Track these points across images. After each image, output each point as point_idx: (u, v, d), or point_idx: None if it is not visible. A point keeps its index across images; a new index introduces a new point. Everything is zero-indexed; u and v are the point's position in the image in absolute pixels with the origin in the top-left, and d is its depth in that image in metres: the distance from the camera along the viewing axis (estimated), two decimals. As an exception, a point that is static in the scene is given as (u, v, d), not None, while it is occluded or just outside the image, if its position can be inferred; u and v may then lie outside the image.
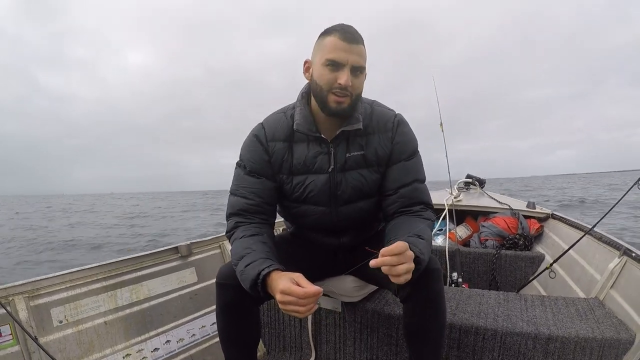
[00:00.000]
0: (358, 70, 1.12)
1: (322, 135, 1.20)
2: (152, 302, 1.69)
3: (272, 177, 1.25)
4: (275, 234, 1.36)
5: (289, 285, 0.92)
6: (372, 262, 0.90)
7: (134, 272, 1.67)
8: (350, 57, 1.09)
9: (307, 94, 1.23)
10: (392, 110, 1.29)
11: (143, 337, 1.61)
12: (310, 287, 0.92)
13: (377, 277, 0.91)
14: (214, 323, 1.80)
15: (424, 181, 1.27)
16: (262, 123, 1.27)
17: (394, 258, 0.89)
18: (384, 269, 0.90)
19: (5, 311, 1.29)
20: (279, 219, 1.39)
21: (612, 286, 1.59)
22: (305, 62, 1.21)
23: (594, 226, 1.96)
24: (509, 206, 2.90)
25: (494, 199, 3.21)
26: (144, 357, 1.58)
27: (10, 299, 1.34)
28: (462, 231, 2.93)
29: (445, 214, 2.87)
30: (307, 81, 1.23)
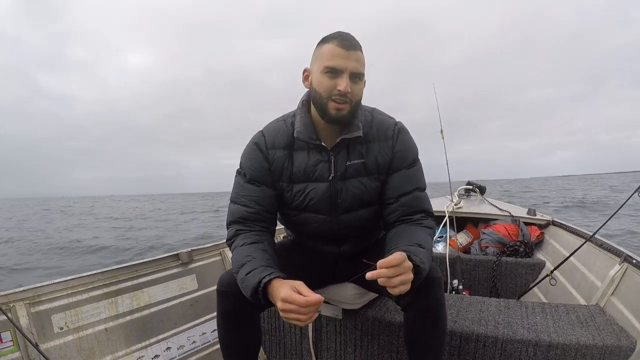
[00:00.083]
0: (357, 77, 1.13)
1: (323, 143, 1.20)
2: (153, 309, 1.69)
3: (273, 185, 1.25)
4: (276, 241, 1.36)
5: (290, 294, 0.92)
6: (369, 275, 0.90)
7: (135, 279, 1.68)
8: (349, 63, 1.10)
9: (308, 101, 1.23)
10: (393, 118, 1.29)
11: (144, 343, 1.61)
12: (311, 296, 0.92)
13: (378, 285, 0.92)
14: (214, 330, 1.80)
15: (425, 189, 1.27)
16: (262, 131, 1.27)
17: (391, 270, 0.88)
18: (380, 281, 0.89)
19: (6, 317, 1.29)
20: (280, 226, 1.39)
21: (612, 293, 1.59)
22: (305, 71, 1.21)
23: (594, 233, 1.96)
24: (510, 213, 2.90)
25: (495, 206, 3.22)
26: (144, 364, 1.58)
27: (11, 305, 1.34)
28: (462, 238, 2.93)
29: (446, 221, 2.87)
30: (306, 89, 1.24)
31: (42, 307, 1.41)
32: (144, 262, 1.73)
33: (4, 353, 1.28)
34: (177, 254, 1.86)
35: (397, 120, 1.29)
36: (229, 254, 1.99)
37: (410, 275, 0.92)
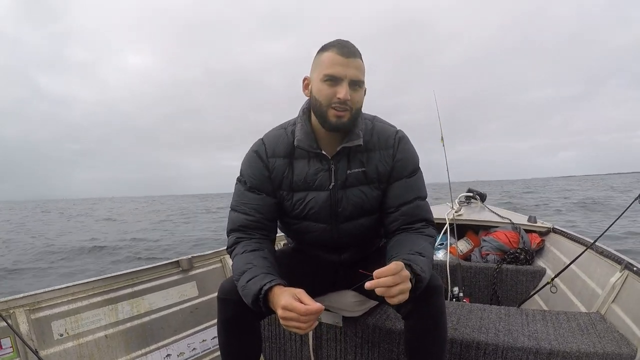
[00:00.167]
0: (357, 85, 1.13)
1: (323, 152, 1.20)
2: (153, 316, 1.69)
3: (273, 193, 1.25)
4: (277, 248, 1.36)
5: (290, 301, 0.92)
6: (367, 285, 0.90)
7: (135, 286, 1.68)
8: (348, 71, 1.10)
9: (308, 110, 1.23)
10: (394, 127, 1.29)
11: (144, 350, 1.61)
12: (312, 304, 0.92)
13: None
14: (214, 337, 1.79)
15: (426, 198, 1.27)
16: (262, 139, 1.28)
17: (388, 279, 0.88)
18: (378, 291, 0.89)
19: (6, 324, 1.29)
20: (280, 233, 1.39)
21: (613, 300, 1.58)
22: (304, 79, 1.21)
23: (595, 241, 1.96)
24: (510, 220, 2.90)
25: (495, 213, 3.22)
26: (144, 372, 1.57)
27: (11, 311, 1.34)
28: (463, 245, 2.93)
29: (447, 228, 2.87)
30: (306, 98, 1.24)
31: (42, 314, 1.41)
32: (144, 269, 1.73)
33: (4, 359, 1.28)
34: (178, 261, 1.86)
35: (398, 128, 1.29)
36: (230, 261, 1.99)
37: (408, 285, 0.92)
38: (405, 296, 0.92)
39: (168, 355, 1.66)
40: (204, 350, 1.78)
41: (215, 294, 1.18)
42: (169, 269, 1.82)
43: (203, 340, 1.79)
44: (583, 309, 1.81)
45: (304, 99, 1.25)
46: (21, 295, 1.38)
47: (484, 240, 2.83)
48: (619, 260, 1.69)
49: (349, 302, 1.44)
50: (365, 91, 1.18)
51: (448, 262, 2.49)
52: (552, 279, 2.02)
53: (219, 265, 2.03)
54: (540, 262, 2.59)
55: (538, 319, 1.50)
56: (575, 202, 19.09)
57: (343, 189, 1.22)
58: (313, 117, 1.21)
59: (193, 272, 1.90)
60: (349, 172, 1.22)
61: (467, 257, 2.89)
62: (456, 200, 3.59)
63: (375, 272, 0.89)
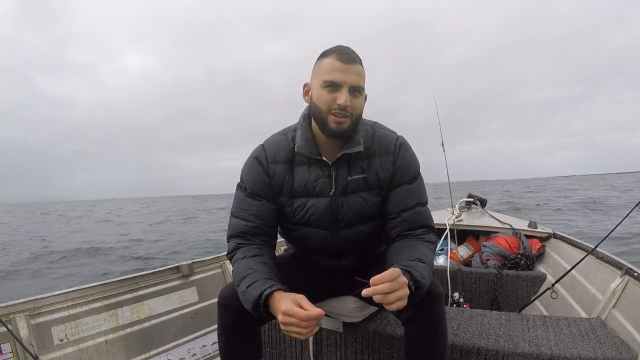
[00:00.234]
0: (357, 91, 1.13)
1: (324, 158, 1.20)
2: (153, 321, 1.69)
3: (273, 199, 1.25)
4: (277, 254, 1.36)
5: (291, 307, 0.93)
6: (364, 292, 0.90)
7: (135, 291, 1.68)
8: (348, 77, 1.10)
9: (308, 116, 1.23)
10: (394, 133, 1.29)
11: (144, 356, 1.60)
12: (312, 310, 0.92)
13: None
14: (215, 342, 1.79)
15: (427, 204, 1.27)
16: (262, 145, 1.28)
17: (385, 286, 0.88)
18: (376, 298, 0.89)
19: (6, 329, 1.29)
20: (280, 239, 1.39)
21: (614, 306, 1.58)
22: (305, 86, 1.21)
23: (596, 246, 1.96)
24: (511, 226, 2.90)
25: (496, 219, 3.22)
26: (143, 377, 1.57)
27: (12, 317, 1.34)
28: (463, 251, 2.92)
29: (447, 234, 2.87)
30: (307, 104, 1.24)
31: (42, 319, 1.41)
32: (144, 275, 1.73)
33: (3, 365, 1.28)
34: (178, 267, 1.86)
35: (398, 134, 1.29)
36: (230, 267, 1.99)
37: (406, 291, 0.92)
38: (404, 302, 0.92)
39: (168, 360, 1.66)
40: (204, 356, 1.78)
41: (216, 300, 1.17)
42: (169, 274, 1.82)
43: (203, 346, 1.79)
44: (584, 315, 1.80)
45: (303, 100, 1.25)
46: (21, 300, 1.38)
47: (485, 246, 2.83)
48: (619, 266, 1.69)
49: (349, 307, 1.44)
50: (365, 97, 1.18)
51: (448, 267, 2.48)
52: (553, 285, 2.02)
53: (219, 270, 2.03)
54: (541, 268, 2.58)
55: (538, 325, 1.50)
56: (576, 202, 19.05)
57: (343, 196, 1.22)
58: (313, 124, 1.21)
59: (193, 278, 1.90)
60: (349, 178, 1.22)
61: (467, 262, 2.89)
62: (457, 206, 3.60)
63: (372, 279, 0.89)
